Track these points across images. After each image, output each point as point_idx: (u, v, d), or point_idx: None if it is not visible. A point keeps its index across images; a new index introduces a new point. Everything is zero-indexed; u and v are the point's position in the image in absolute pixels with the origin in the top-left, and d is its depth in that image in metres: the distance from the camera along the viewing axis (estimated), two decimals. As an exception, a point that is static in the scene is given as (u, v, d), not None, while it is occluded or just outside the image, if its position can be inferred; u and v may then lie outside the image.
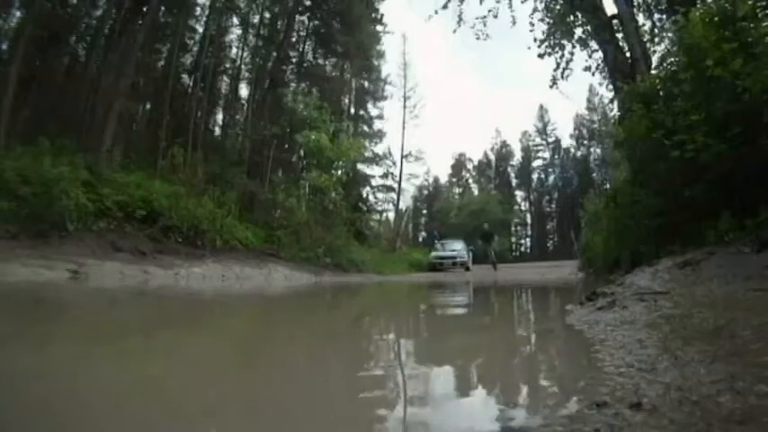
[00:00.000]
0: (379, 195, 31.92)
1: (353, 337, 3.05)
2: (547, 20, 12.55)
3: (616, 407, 1.16)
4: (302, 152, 19.74)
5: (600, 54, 11.97)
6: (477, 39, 13.24)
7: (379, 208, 31.77)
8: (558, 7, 12.39)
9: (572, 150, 52.96)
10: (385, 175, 32.33)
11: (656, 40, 11.08)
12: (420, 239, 47.09)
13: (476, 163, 57.52)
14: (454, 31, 13.35)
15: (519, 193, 55.45)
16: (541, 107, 53.42)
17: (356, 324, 3.87)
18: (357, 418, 1.30)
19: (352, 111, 27.40)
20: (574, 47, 12.42)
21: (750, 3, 4.78)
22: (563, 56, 12.55)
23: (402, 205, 34.01)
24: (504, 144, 56.87)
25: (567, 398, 1.36)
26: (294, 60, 22.47)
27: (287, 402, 1.41)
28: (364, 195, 28.71)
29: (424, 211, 54.86)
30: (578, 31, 12.29)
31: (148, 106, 17.59)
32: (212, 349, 2.41)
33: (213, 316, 4.24)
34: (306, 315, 4.49)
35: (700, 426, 1.01)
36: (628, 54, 10.47)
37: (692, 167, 4.75)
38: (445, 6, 12.92)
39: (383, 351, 2.46)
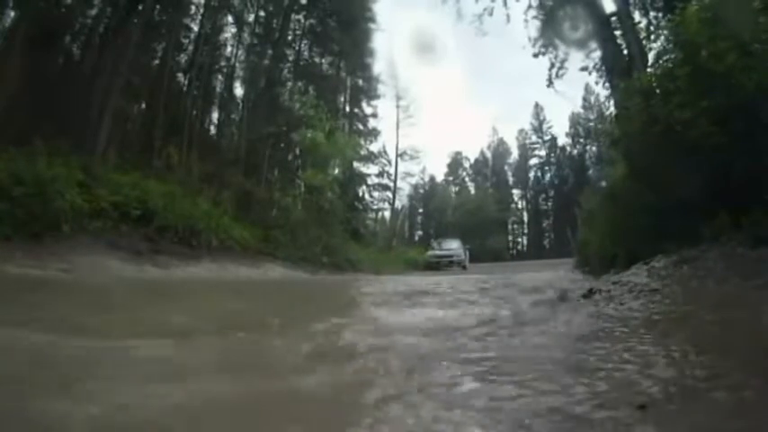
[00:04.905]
0: (375, 194, 31.83)
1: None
2: (540, 17, 12.61)
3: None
4: (298, 151, 19.71)
5: (597, 53, 12.02)
6: (476, 35, 13.33)
7: (375, 207, 31.69)
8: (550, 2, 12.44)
9: (568, 148, 52.97)
10: (380, 174, 32.27)
11: (653, 37, 11.09)
12: (416, 238, 46.96)
13: (472, 161, 57.44)
14: (453, 30, 13.48)
15: (516, 192, 55.38)
16: (537, 105, 53.33)
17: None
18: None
19: (347, 109, 27.36)
20: (568, 46, 12.48)
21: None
22: (557, 56, 12.62)
23: (398, 204, 33.98)
24: (501, 142, 56.80)
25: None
26: (290, 59, 22.39)
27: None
28: (360, 194, 28.64)
29: (421, 210, 54.73)
30: (576, 32, 12.33)
31: (143, 106, 17.48)
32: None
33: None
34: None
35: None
36: (625, 52, 10.50)
37: (689, 164, 4.76)
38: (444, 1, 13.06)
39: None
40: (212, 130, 20.84)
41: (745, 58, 4.53)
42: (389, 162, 33.15)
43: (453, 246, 24.01)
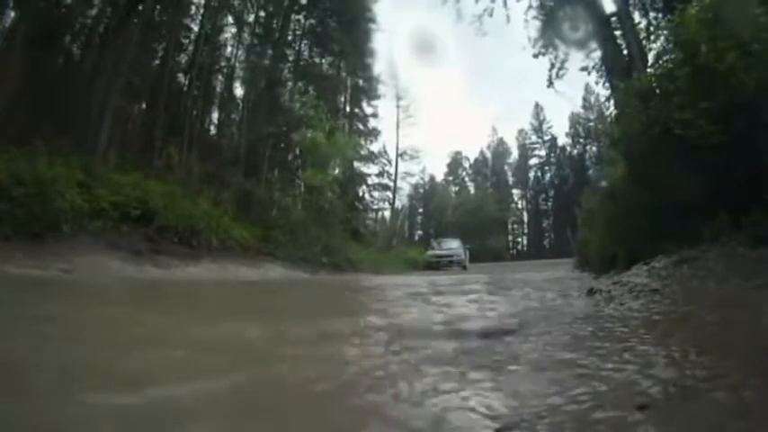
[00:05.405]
0: (375, 194, 31.93)
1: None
2: (540, 17, 12.64)
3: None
4: (298, 151, 19.73)
5: (597, 53, 12.05)
6: (476, 36, 13.39)
7: (375, 206, 31.77)
8: (550, 3, 12.47)
9: (568, 148, 53.03)
10: (380, 174, 32.34)
11: (652, 38, 11.11)
12: (416, 238, 47.00)
13: (472, 161, 57.49)
14: (453, 30, 13.56)
15: (516, 192, 55.44)
16: (537, 105, 53.37)
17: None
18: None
19: (348, 109, 27.39)
20: (568, 46, 12.51)
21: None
22: (557, 56, 12.66)
23: (398, 204, 34.06)
24: (501, 142, 56.86)
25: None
26: (290, 59, 22.40)
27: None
28: (360, 194, 28.65)
29: (420, 210, 54.79)
30: (576, 33, 12.35)
31: (144, 106, 17.49)
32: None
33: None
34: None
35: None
36: (625, 52, 10.52)
37: (689, 165, 4.76)
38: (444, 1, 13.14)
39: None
40: (212, 130, 20.88)
41: (746, 57, 4.54)
42: (389, 162, 33.27)
43: (453, 245, 24.03)
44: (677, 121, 4.85)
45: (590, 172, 46.25)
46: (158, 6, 15.94)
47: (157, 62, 17.52)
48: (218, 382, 2.02)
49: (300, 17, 22.69)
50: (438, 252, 23.02)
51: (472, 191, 55.57)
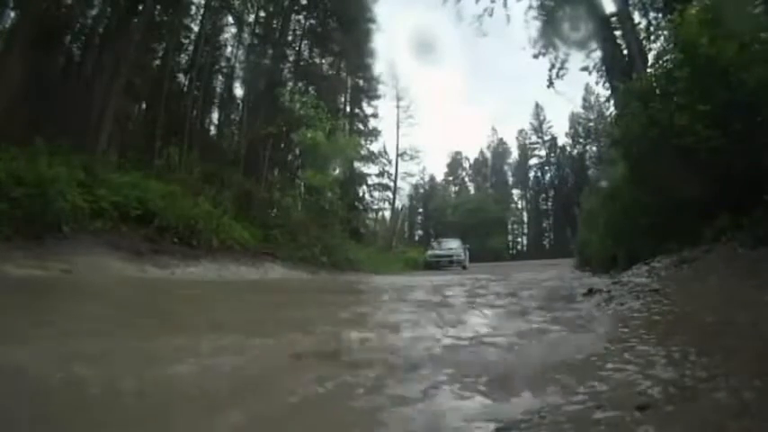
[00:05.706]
0: (375, 194, 31.93)
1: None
2: (541, 17, 12.67)
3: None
4: (298, 151, 19.73)
5: (597, 54, 12.07)
6: (476, 36, 13.43)
7: (375, 207, 31.77)
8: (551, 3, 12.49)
9: (568, 148, 53.02)
10: (381, 174, 32.32)
11: (652, 38, 11.12)
12: (416, 238, 47.01)
13: (472, 161, 57.52)
14: (453, 31, 13.58)
15: (516, 192, 55.47)
16: (537, 105, 53.37)
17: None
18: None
19: (348, 109, 27.38)
20: (569, 47, 12.54)
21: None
22: (557, 56, 12.69)
23: (398, 204, 34.07)
24: (501, 142, 56.88)
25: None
26: (290, 59, 22.40)
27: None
28: (360, 194, 28.67)
29: (420, 210, 54.78)
30: (576, 33, 12.38)
31: (144, 106, 17.50)
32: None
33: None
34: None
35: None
36: (625, 52, 10.53)
37: (690, 166, 4.76)
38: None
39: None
40: (212, 130, 20.91)
41: (746, 54, 4.54)
42: (389, 162, 33.24)
43: (453, 245, 24.04)
44: (677, 127, 4.85)
45: (590, 172, 46.14)
46: (158, 6, 15.92)
47: (157, 62, 17.54)
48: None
49: (300, 17, 22.69)
50: (438, 252, 23.04)
51: (472, 191, 55.62)
